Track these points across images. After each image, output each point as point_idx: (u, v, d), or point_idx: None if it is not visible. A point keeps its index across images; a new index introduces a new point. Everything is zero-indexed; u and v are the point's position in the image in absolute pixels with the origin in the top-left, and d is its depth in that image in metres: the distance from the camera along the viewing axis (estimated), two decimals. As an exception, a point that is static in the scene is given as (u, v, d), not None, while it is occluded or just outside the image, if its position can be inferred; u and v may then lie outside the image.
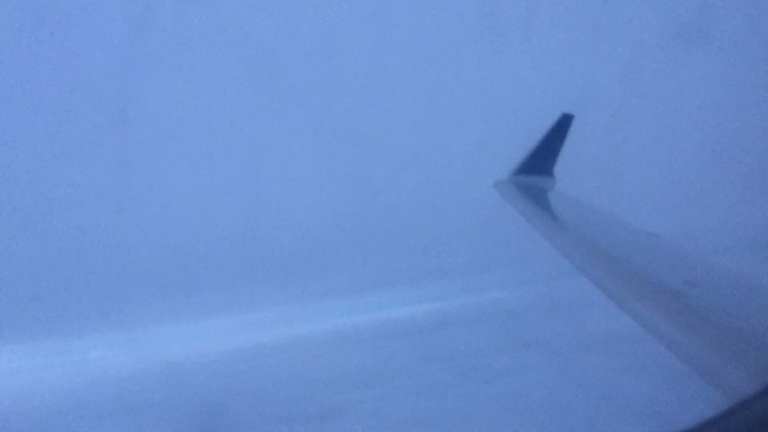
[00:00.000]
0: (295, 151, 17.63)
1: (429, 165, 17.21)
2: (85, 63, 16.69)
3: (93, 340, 16.67)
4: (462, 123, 17.20)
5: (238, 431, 11.17)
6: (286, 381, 12.34)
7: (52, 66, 16.30)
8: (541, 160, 6.81)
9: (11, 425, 13.13)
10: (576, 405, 10.53)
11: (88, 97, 17.06)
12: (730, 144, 18.09)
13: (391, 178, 17.33)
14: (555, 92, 16.73)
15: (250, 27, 17.64)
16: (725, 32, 17.60)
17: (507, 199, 6.37)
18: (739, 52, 17.71)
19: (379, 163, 17.61)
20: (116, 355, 15.76)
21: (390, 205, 17.05)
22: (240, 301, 16.18)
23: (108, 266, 16.57)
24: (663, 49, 17.23)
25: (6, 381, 15.47)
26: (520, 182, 6.65)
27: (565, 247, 4.59)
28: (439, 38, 17.80)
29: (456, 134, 17.55)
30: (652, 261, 4.20)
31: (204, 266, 16.60)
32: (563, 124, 6.85)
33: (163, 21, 17.33)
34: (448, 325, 14.01)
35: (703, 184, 17.90)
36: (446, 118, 17.74)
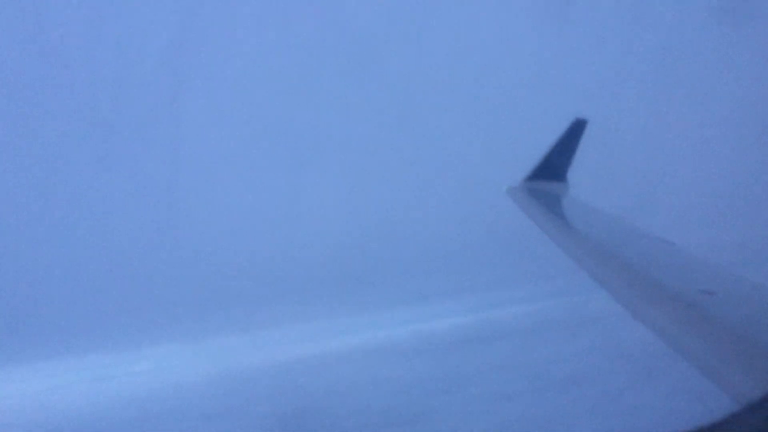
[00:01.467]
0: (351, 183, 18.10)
1: (480, 180, 17.66)
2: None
3: (156, 352, 17.17)
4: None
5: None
6: (365, 387, 12.79)
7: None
8: (555, 165, 6.70)
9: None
10: (651, 414, 10.87)
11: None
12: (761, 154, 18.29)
13: (441, 199, 17.78)
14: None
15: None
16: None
17: (519, 205, 6.17)
18: None
19: (427, 186, 18.07)
20: (188, 365, 16.27)
21: (448, 222, 17.53)
22: (308, 311, 16.67)
23: (176, 282, 17.07)
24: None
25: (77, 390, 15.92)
26: (533, 188, 6.52)
27: (579, 255, 4.49)
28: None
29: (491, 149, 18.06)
30: (667, 270, 4.12)
31: (272, 280, 17.08)
32: (577, 129, 6.74)
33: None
34: (510, 334, 14.52)
35: (730, 195, 18.04)
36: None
